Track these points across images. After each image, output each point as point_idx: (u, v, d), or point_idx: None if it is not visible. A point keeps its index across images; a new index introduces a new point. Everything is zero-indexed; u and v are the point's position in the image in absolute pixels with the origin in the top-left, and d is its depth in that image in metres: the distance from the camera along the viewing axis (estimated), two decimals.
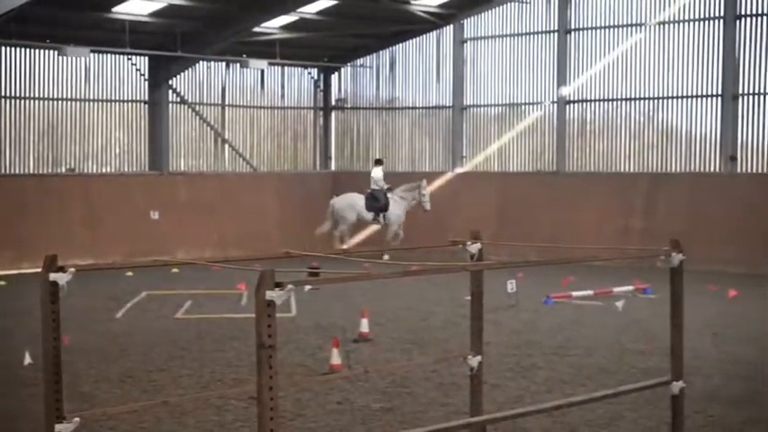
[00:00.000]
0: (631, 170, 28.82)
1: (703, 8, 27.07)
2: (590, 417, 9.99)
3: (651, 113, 28.70)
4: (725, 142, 26.72)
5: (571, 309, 18.40)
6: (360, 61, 33.43)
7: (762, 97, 26.23)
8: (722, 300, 19.75)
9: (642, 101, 28.55)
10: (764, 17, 26.02)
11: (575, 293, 19.85)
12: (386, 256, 25.23)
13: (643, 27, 28.04)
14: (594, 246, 24.74)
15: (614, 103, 29.09)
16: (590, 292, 19.93)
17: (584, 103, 29.62)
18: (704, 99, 27.26)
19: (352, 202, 27.97)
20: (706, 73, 27.15)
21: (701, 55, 27.24)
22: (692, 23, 27.34)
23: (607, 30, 28.79)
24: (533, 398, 10.84)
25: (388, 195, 27.83)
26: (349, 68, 33.78)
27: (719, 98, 26.84)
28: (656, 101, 28.32)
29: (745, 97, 26.50)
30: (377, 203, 27.76)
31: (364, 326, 14.99)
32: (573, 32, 29.43)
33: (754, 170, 26.40)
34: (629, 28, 28.35)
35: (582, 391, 11.08)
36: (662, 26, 27.75)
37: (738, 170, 26.53)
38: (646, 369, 12.34)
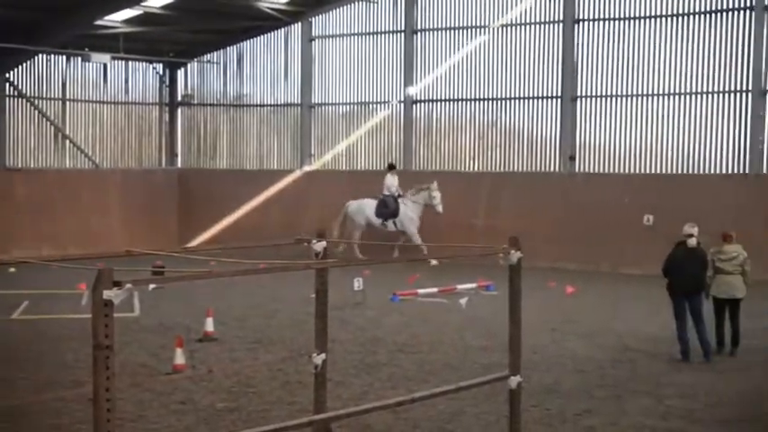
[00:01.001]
0: (476, 169, 29.42)
1: (544, 12, 27.87)
2: (432, 412, 10.17)
3: (495, 114, 29.35)
4: (564, 143, 27.59)
5: (417, 306, 18.66)
6: (206, 57, 33.04)
7: (599, 99, 27.19)
8: (561, 296, 20.39)
9: (487, 101, 29.17)
10: (601, 21, 26.98)
11: (420, 291, 20.14)
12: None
13: (487, 29, 28.67)
14: (440, 243, 25.21)
15: (460, 103, 29.62)
16: (435, 290, 20.26)
17: (431, 103, 30.08)
18: (545, 100, 28.07)
19: (362, 207, 27.80)
20: (547, 75, 27.96)
21: (542, 57, 28.03)
22: (533, 26, 28.11)
23: (452, 31, 29.31)
24: (377, 394, 10.95)
25: (399, 201, 27.43)
26: (195, 64, 33.34)
27: (559, 100, 27.69)
28: (499, 102, 28.98)
29: (584, 99, 27.43)
30: (386, 209, 27.51)
31: (209, 325, 14.84)
32: (419, 33, 29.85)
33: (592, 170, 27.34)
34: (474, 30, 28.93)
35: (425, 387, 11.24)
36: (505, 29, 28.44)
37: (576, 170, 27.43)
38: (487, 365, 12.62)
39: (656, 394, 11.19)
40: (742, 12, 24.97)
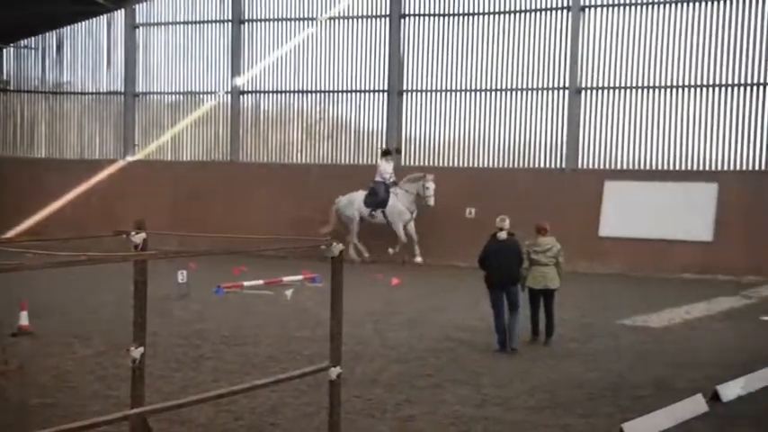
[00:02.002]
0: (304, 161, 29.47)
1: (370, 6, 28.17)
2: (254, 404, 10.13)
3: (323, 106, 29.47)
4: (390, 136, 27.97)
5: (242, 298, 18.55)
6: (24, 42, 31.84)
7: (425, 94, 27.68)
8: (387, 287, 20.68)
9: (315, 93, 29.26)
10: (427, 17, 27.46)
11: (246, 283, 20.03)
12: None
13: (315, 21, 28.73)
14: (268, 235, 25.13)
15: (288, 94, 29.60)
16: (260, 282, 20.19)
17: (259, 94, 29.94)
18: (372, 94, 28.37)
19: (352, 200, 26.26)
20: (374, 69, 28.27)
21: (369, 51, 28.33)
22: (360, 20, 28.36)
23: (280, 22, 29.25)
24: (199, 388, 10.82)
25: (391, 190, 25.79)
26: (12, 49, 32.09)
27: (386, 93, 28.05)
28: (328, 94, 29.12)
29: (410, 93, 27.87)
30: (375, 198, 25.80)
31: (24, 319, 14.33)
32: (247, 23, 29.65)
33: (417, 163, 27.80)
34: (302, 21, 28.97)
35: (248, 379, 11.18)
36: (332, 21, 28.57)
37: (402, 163, 27.83)
38: (311, 356, 12.66)
39: (474, 383, 11.49)
40: (560, 11, 25.90)
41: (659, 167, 24.89)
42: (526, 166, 26.57)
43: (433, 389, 11.16)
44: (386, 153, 26.34)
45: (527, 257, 14.13)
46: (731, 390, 10.98)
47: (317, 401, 10.09)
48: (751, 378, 11.54)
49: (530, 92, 26.44)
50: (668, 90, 24.81)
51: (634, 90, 25.22)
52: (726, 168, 24.08)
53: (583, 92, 25.78)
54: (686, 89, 24.61)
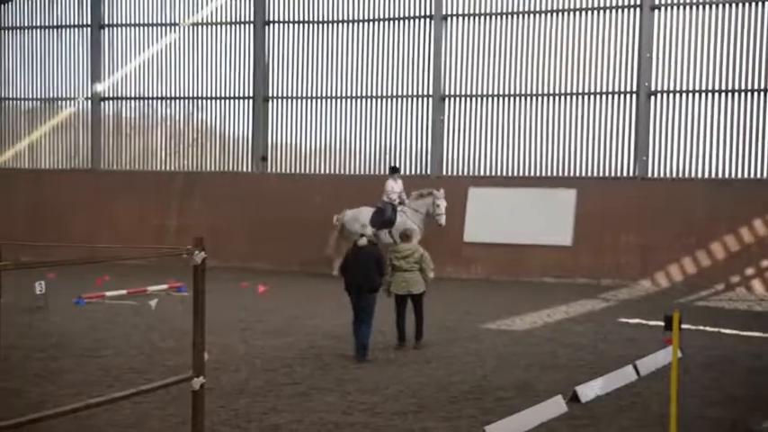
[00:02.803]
0: (169, 168, 29.06)
1: (234, 12, 28.01)
2: (118, 417, 9.94)
3: (188, 113, 29.13)
4: (256, 143, 27.84)
5: (104, 309, 18.16)
6: None
7: (291, 101, 27.66)
8: (253, 295, 20.56)
9: (179, 100, 28.90)
10: (292, 24, 27.46)
11: (108, 293, 19.62)
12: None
13: (177, 27, 28.39)
14: (131, 245, 24.69)
15: (151, 101, 29.15)
16: (124, 292, 19.81)
17: (120, 101, 29.39)
18: (237, 101, 28.20)
19: (357, 215, 24.40)
20: (239, 75, 28.11)
21: (233, 58, 28.16)
22: (224, 27, 28.17)
23: (142, 27, 28.81)
24: (58, 402, 10.55)
25: (399, 209, 24.07)
26: None
27: (251, 100, 27.91)
28: (192, 101, 28.80)
29: (276, 100, 27.81)
30: (380, 217, 24.10)
31: None
32: (107, 28, 29.09)
33: (283, 170, 27.76)
34: (164, 27, 28.59)
35: (110, 392, 10.96)
36: (196, 27, 28.28)
37: (269, 170, 27.75)
38: (175, 366, 12.49)
39: (341, 390, 11.53)
40: (423, 20, 26.26)
41: (521, 174, 25.44)
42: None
43: (299, 397, 11.15)
44: (393, 171, 24.64)
45: (390, 263, 14.27)
46: (590, 390, 11.31)
47: (182, 413, 9.95)
48: (608, 379, 11.91)
49: (395, 99, 26.72)
50: (530, 98, 25.41)
51: (497, 98, 25.74)
52: (584, 175, 24.78)
53: (447, 99, 26.17)
54: (546, 97, 25.25)
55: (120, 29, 29.09)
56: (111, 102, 29.44)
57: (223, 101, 28.42)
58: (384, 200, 24.10)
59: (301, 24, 27.48)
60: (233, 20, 28.09)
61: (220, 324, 16.00)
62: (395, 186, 24.25)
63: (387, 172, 26.63)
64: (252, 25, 27.81)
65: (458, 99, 26.14)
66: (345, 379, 12.21)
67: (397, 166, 25.10)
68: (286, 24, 27.62)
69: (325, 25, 27.27)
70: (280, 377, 12.26)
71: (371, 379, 12.20)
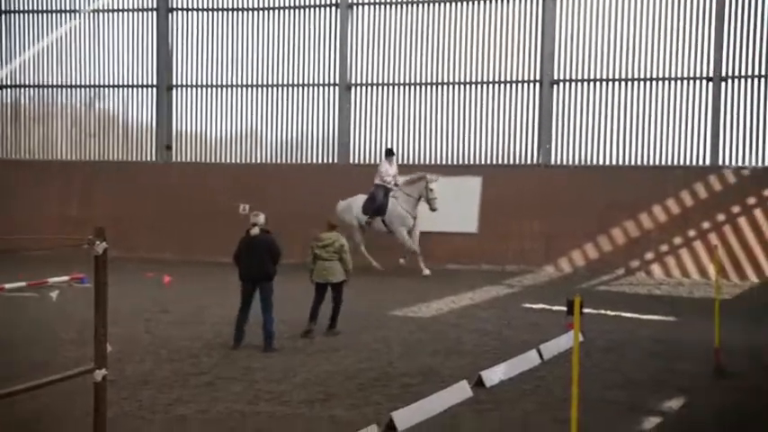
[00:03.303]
0: (70, 158, 28.49)
1: None
2: (21, 411, 9.73)
3: (90, 102, 28.59)
4: (161, 132, 27.49)
5: (4, 301, 17.73)
6: None
7: (196, 89, 27.39)
8: (158, 286, 20.31)
9: (81, 88, 28.35)
10: (196, 11, 27.18)
11: (7, 285, 19.10)
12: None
13: (79, 13, 27.83)
14: (31, 236, 24.17)
15: (51, 89, 28.53)
16: (24, 284, 19.33)
17: (19, 89, 28.71)
18: (141, 89, 27.79)
19: (350, 205, 23.53)
20: (142, 63, 27.71)
21: (136, 45, 27.74)
22: (126, 13, 27.73)
23: (42, 14, 28.16)
24: None
25: (391, 194, 23.03)
26: None
27: (155, 88, 27.53)
28: (94, 89, 28.27)
29: (180, 89, 27.48)
30: (372, 203, 23.08)
31: None
32: (5, 14, 28.40)
33: (188, 159, 27.46)
34: (65, 14, 28.00)
35: (9, 385, 10.72)
36: (97, 14, 27.76)
37: (174, 159, 27.43)
38: (78, 358, 12.27)
39: (248, 379, 11.48)
40: (329, 8, 26.21)
41: (428, 162, 25.59)
42: (299, 161, 26.73)
43: (205, 387, 11.07)
44: (389, 153, 23.67)
45: (311, 252, 14.34)
46: (494, 375, 11.48)
47: (87, 405, 9.78)
48: (512, 363, 12.10)
49: (301, 88, 26.63)
50: (435, 87, 25.57)
51: (403, 87, 25.84)
52: (489, 162, 25.05)
53: (353, 88, 26.18)
54: (452, 86, 25.43)
55: (18, 15, 28.39)
56: (9, 90, 28.73)
57: (126, 89, 27.97)
58: (377, 182, 23.16)
59: (205, 12, 27.19)
60: (136, 6, 27.65)
61: (125, 315, 15.77)
62: (389, 169, 23.34)
63: (293, 160, 26.60)
64: (155, 12, 27.42)
65: (364, 87, 26.17)
66: (253, 368, 12.17)
67: (391, 149, 24.06)
68: (190, 12, 27.30)
69: (230, 13, 27.03)
70: (186, 367, 12.16)
71: (279, 368, 12.17)
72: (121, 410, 9.77)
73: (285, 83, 26.73)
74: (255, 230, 13.83)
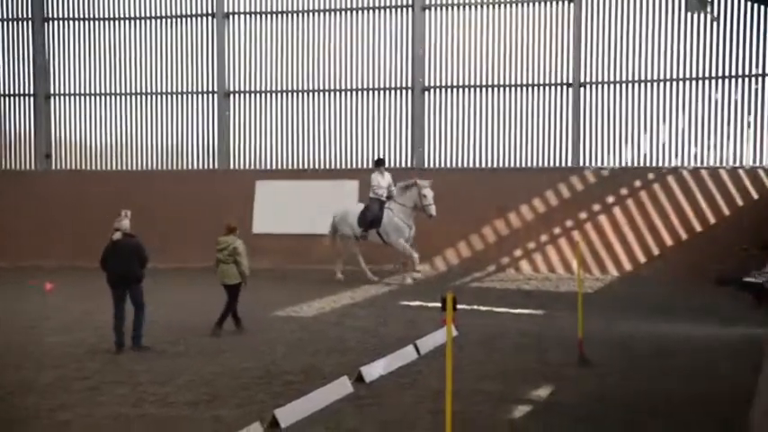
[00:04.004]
0: None
1: (12, 9, 26.89)
2: None
3: None
4: (39, 140, 26.78)
5: None
6: None
7: (74, 98, 26.75)
8: (41, 293, 19.77)
9: None
10: (73, 21, 26.59)
11: None
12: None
13: None
14: None
15: None
16: None
17: None
18: (18, 98, 27.06)
19: (346, 215, 21.99)
20: (18, 72, 27.02)
21: (12, 54, 27.10)
22: (1, 23, 26.97)
23: None
24: None
25: (386, 205, 21.44)
26: None
27: (32, 97, 26.80)
28: None
29: (60, 97, 26.82)
30: (366, 216, 21.52)
31: None
32: None
33: (69, 167, 26.80)
34: None
35: None
36: None
37: (54, 167, 26.74)
38: None
39: (132, 382, 11.28)
40: (206, 18, 26.00)
41: (306, 167, 25.59)
42: (179, 168, 26.38)
43: (90, 391, 10.83)
44: (378, 163, 22.01)
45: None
46: (373, 371, 11.55)
47: None
48: (390, 359, 12.20)
49: (181, 95, 26.29)
50: (313, 94, 25.55)
51: (280, 94, 25.76)
52: (366, 167, 25.15)
53: (231, 95, 25.98)
54: (329, 93, 25.46)
55: None
56: None
57: (3, 98, 27.10)
58: (371, 196, 21.68)
59: (82, 21, 26.58)
60: (11, 16, 26.84)
61: (6, 323, 15.32)
62: (381, 181, 21.69)
63: (174, 167, 26.24)
64: (30, 22, 26.67)
65: (243, 95, 26.00)
66: (137, 371, 11.96)
67: (381, 158, 22.55)
68: (66, 21, 26.64)
69: (108, 22, 26.49)
70: (70, 372, 11.87)
71: (163, 370, 11.99)
72: (2, 418, 9.47)
73: (166, 91, 26.34)
74: (118, 235, 13.68)
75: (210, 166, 26.12)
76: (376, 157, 23.28)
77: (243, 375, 11.64)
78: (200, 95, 26.18)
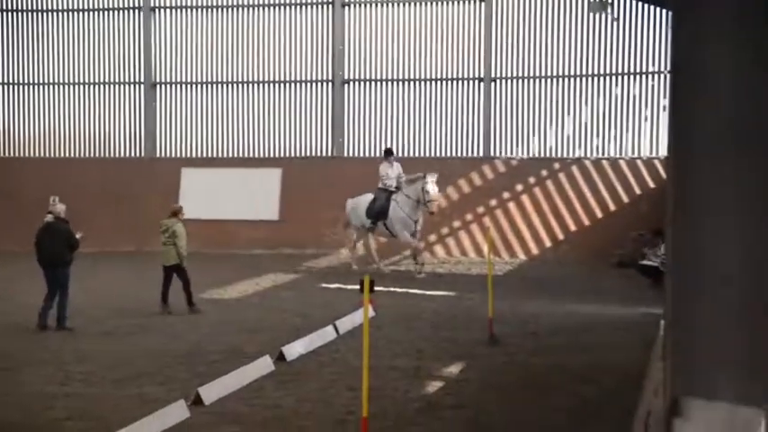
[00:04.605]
0: None
1: None
2: None
3: None
4: None
5: None
6: None
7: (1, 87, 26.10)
8: None
9: None
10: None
11: None
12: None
13: None
14: None
15: None
16: None
17: None
18: None
19: (357, 206, 20.36)
20: None
21: None
22: None
23: None
24: None
25: (393, 197, 19.68)
26: None
27: None
28: None
29: None
30: (373, 207, 19.87)
31: None
32: None
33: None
34: None
35: None
36: None
37: None
38: None
39: (57, 362, 11.05)
40: (132, 11, 25.51)
41: (231, 155, 25.34)
42: (106, 155, 25.89)
43: (12, 372, 10.57)
44: (387, 153, 20.43)
45: None
46: (294, 350, 11.51)
47: None
48: (311, 338, 12.17)
49: (109, 86, 25.80)
50: (238, 85, 25.27)
51: (205, 85, 25.42)
52: (288, 155, 25.03)
53: (158, 86, 25.58)
54: (252, 85, 25.21)
55: None
56: None
57: None
58: (379, 186, 20.07)
59: (9, 12, 25.90)
60: None
61: None
62: (389, 171, 19.99)
63: (99, 155, 25.76)
64: None
65: (169, 86, 25.60)
66: (63, 350, 11.74)
67: (391, 147, 21.25)
68: None
69: (36, 14, 25.81)
70: None
71: (89, 350, 11.78)
72: None
73: (93, 81, 25.81)
74: (49, 218, 13.61)
75: (137, 155, 25.69)
76: (385, 147, 21.67)
77: (168, 355, 11.49)
78: (127, 86, 25.72)
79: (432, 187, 19.23)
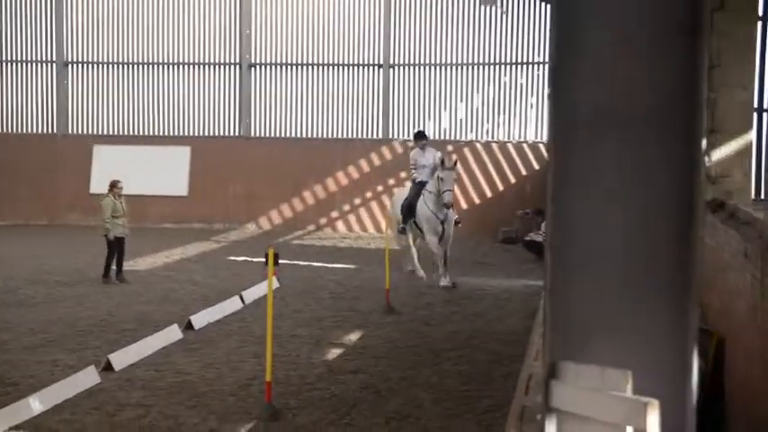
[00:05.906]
0: None
1: None
2: None
3: None
4: None
5: None
6: None
7: None
8: None
9: None
10: None
11: None
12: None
13: None
14: None
15: None
16: None
17: None
18: None
19: (395, 200, 16.35)
20: None
21: None
22: None
23: None
24: None
25: (423, 190, 15.16)
26: None
27: None
28: None
29: None
30: (404, 202, 15.57)
31: None
32: None
33: None
34: None
35: None
36: None
37: None
38: None
39: None
40: None
41: (142, 133, 24.80)
42: (20, 131, 25.04)
43: None
44: (418, 136, 16.02)
45: None
46: (201, 319, 11.41)
47: None
48: (218, 308, 12.09)
49: (23, 63, 24.95)
50: (150, 66, 24.70)
51: (119, 65, 24.75)
52: (198, 134, 24.65)
53: (70, 66, 24.83)
54: (164, 66, 24.67)
55: None
56: None
57: None
58: (414, 176, 15.77)
59: None
60: None
61: None
62: (420, 159, 15.56)
63: (17, 131, 24.93)
64: None
65: (81, 65, 24.87)
66: None
67: (423, 130, 17.43)
68: None
69: None
70: None
71: (2, 318, 11.44)
72: None
73: (5, 59, 24.91)
74: None
75: (50, 131, 24.92)
76: (416, 130, 18.07)
77: (79, 323, 11.26)
78: (40, 64, 24.89)
79: (449, 175, 14.74)
